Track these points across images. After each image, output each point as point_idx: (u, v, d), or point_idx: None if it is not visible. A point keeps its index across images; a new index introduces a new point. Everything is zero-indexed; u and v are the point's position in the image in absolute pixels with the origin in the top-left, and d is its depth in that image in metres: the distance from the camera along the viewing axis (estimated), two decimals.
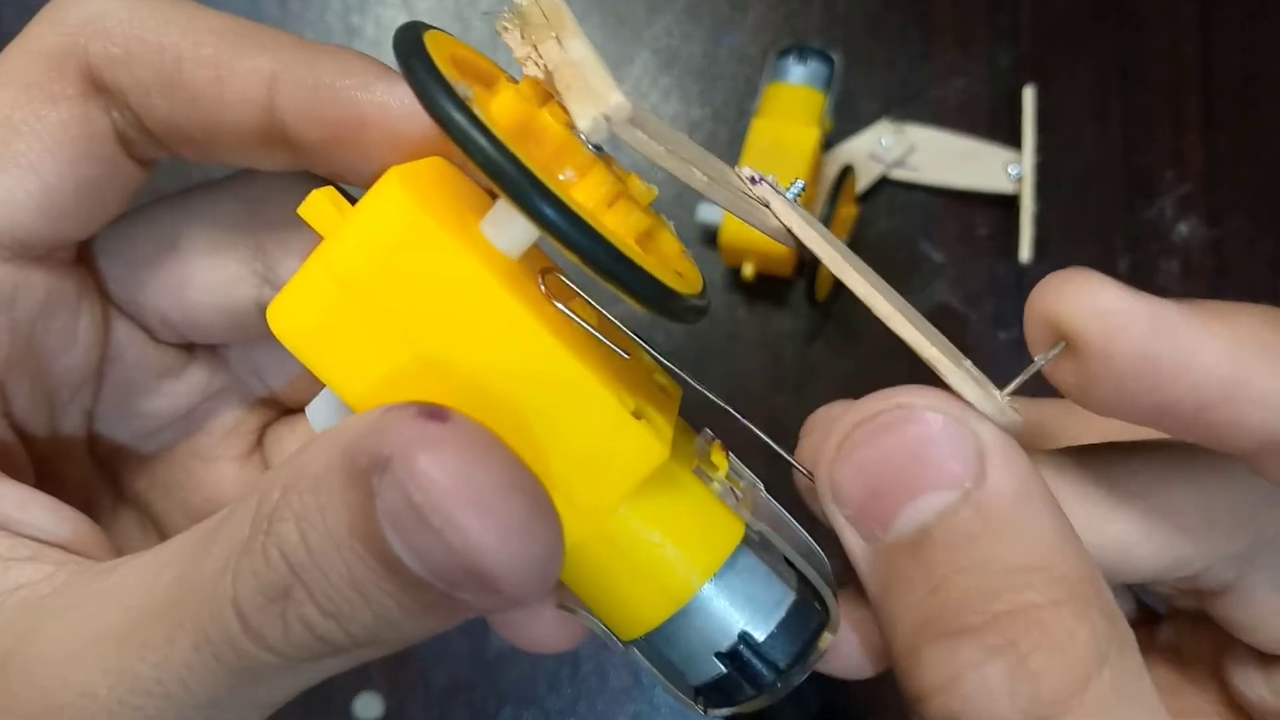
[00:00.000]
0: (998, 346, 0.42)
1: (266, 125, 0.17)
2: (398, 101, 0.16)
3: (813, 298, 0.39)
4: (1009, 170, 0.42)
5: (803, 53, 0.40)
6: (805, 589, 0.17)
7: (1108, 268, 0.42)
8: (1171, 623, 0.19)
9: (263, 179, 0.20)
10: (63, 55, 0.16)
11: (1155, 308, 0.15)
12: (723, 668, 0.16)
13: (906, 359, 0.46)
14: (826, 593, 0.17)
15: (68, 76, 0.16)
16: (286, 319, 0.15)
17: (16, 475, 0.16)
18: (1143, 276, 0.43)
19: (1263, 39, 0.44)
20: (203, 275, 0.19)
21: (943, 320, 0.42)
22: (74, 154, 0.16)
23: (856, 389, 0.45)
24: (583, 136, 0.15)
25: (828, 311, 0.43)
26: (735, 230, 0.39)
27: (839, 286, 0.43)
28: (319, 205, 0.15)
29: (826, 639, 0.17)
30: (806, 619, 0.16)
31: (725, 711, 0.16)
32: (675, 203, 0.43)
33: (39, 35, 0.16)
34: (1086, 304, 0.15)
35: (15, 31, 0.47)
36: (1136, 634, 0.15)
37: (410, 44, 0.15)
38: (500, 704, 0.41)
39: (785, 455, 0.18)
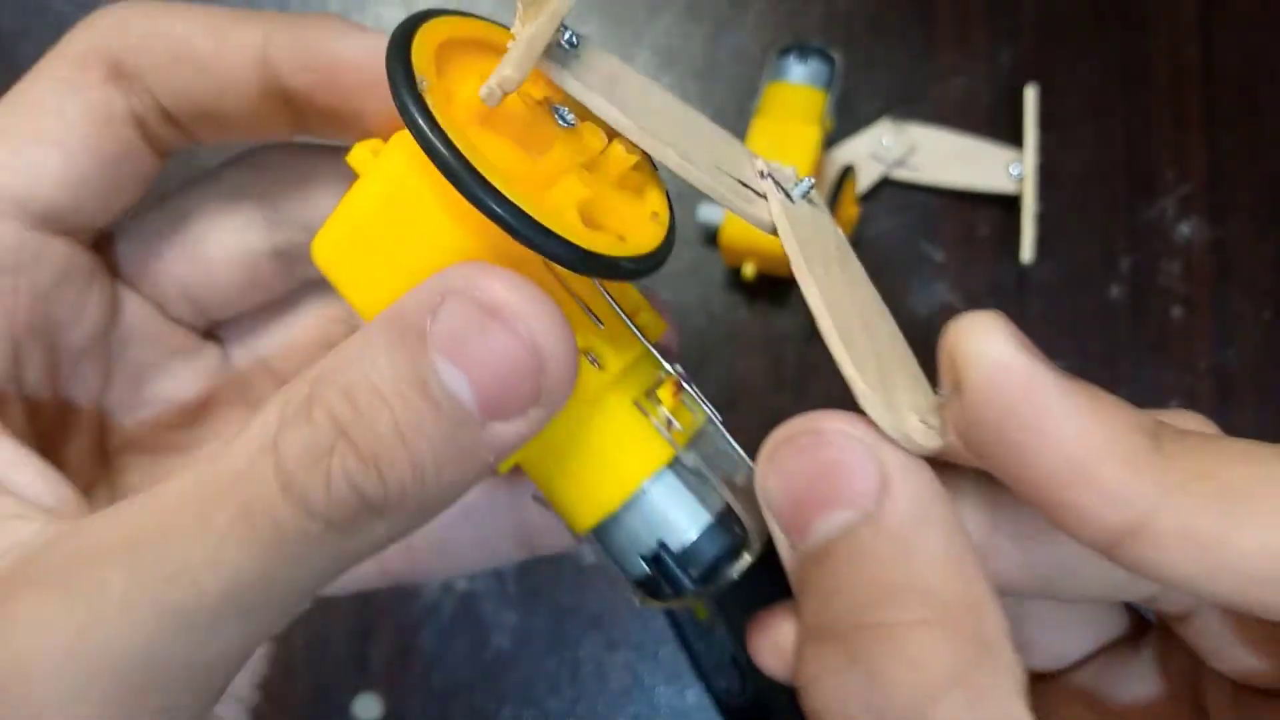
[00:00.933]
0: None
1: (264, 79, 0.18)
2: (366, 49, 0.18)
3: None
4: (1010, 170, 0.42)
5: (803, 52, 0.40)
6: (729, 515, 0.19)
7: (1109, 267, 0.42)
8: (1155, 639, 0.19)
9: (267, 147, 0.21)
10: (87, 52, 0.18)
11: (1034, 371, 0.15)
12: (647, 569, 0.18)
13: None
14: (747, 520, 0.19)
15: (91, 68, 0.17)
16: (321, 249, 0.17)
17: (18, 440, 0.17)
18: (1144, 276, 0.43)
19: (1264, 39, 0.44)
20: (215, 232, 0.20)
21: (943, 320, 0.42)
22: (95, 134, 0.17)
23: None
24: (558, 114, 0.17)
25: None
26: (735, 231, 0.39)
27: None
28: (361, 154, 0.17)
29: (744, 560, 0.19)
30: (718, 538, 0.18)
31: (657, 605, 0.19)
32: (676, 203, 0.43)
33: (69, 41, 0.18)
34: (975, 350, 0.15)
35: (13, 30, 0.47)
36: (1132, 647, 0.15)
37: (399, 33, 0.17)
38: (500, 704, 0.41)
39: (739, 451, 0.19)
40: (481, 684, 0.41)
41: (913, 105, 0.43)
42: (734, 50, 0.44)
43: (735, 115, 0.43)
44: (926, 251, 0.43)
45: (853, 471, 0.16)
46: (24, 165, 0.17)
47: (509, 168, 0.16)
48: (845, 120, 0.43)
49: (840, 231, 0.19)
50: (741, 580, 0.19)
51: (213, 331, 0.22)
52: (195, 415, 0.22)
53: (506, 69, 0.16)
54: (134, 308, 0.20)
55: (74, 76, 0.17)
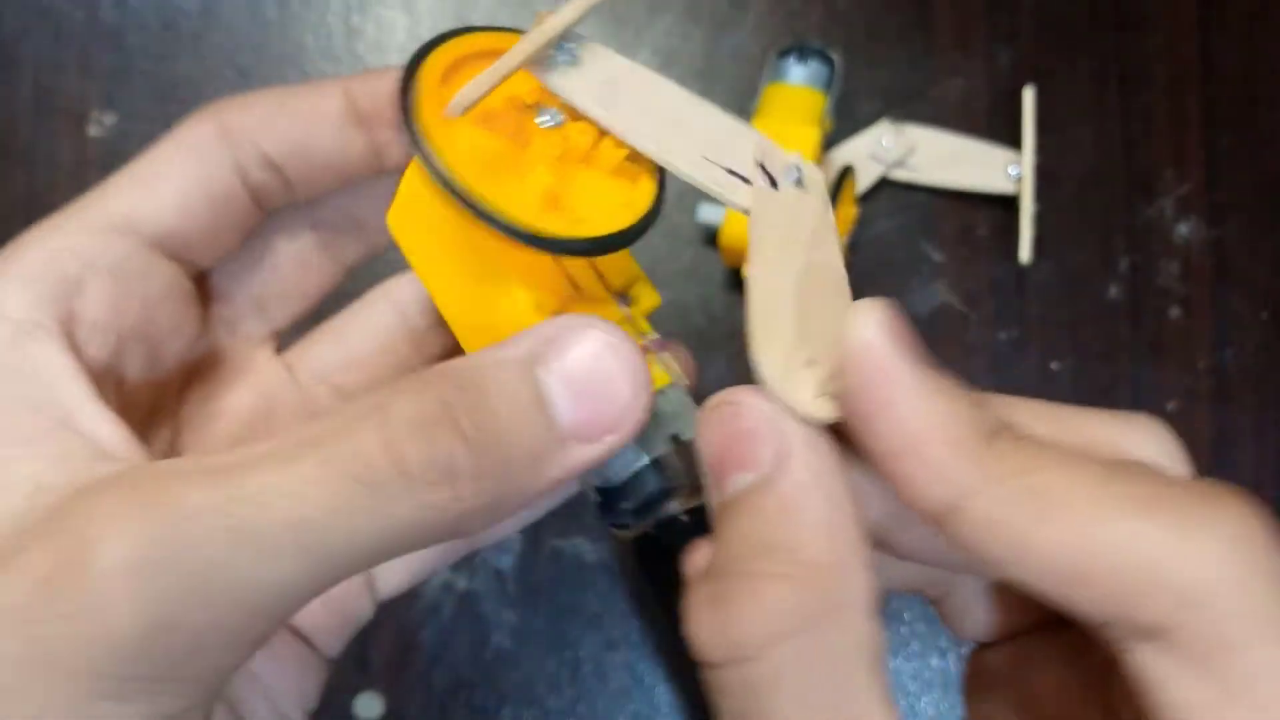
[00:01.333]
0: (998, 346, 0.42)
1: (347, 113, 0.22)
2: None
3: None
4: (1009, 170, 0.42)
5: (803, 53, 0.40)
6: (669, 460, 0.21)
7: (1108, 267, 0.42)
8: (1074, 631, 0.20)
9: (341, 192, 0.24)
10: (201, 120, 0.21)
11: (894, 354, 0.17)
12: (599, 497, 0.21)
13: None
14: (679, 470, 0.21)
15: (204, 130, 0.21)
16: (390, 219, 0.21)
17: None
18: (1143, 276, 0.43)
19: (1263, 38, 0.44)
20: (272, 235, 0.24)
21: (943, 320, 0.43)
22: (204, 179, 0.21)
23: None
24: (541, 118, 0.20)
25: None
26: (735, 231, 0.39)
27: None
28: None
29: (674, 506, 0.21)
30: (650, 479, 0.21)
31: (619, 534, 0.22)
32: (675, 204, 0.43)
33: (189, 116, 0.22)
34: (852, 331, 0.17)
35: (14, 32, 0.47)
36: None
37: (419, 50, 0.19)
38: (500, 703, 0.41)
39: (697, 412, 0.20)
40: (482, 683, 0.41)
41: (912, 106, 0.43)
42: (734, 51, 0.44)
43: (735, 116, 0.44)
44: (925, 251, 0.43)
45: (758, 440, 0.17)
46: (146, 198, 0.20)
47: (492, 159, 0.19)
48: (844, 121, 0.43)
49: (829, 214, 0.20)
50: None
51: (277, 344, 0.25)
52: (259, 427, 0.24)
53: (467, 90, 0.18)
54: (232, 343, 0.24)
55: (189, 137, 0.21)
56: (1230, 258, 0.43)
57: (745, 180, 0.20)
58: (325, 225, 0.24)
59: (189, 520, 0.15)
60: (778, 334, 0.18)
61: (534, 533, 0.42)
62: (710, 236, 0.43)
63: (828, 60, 0.41)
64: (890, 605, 0.42)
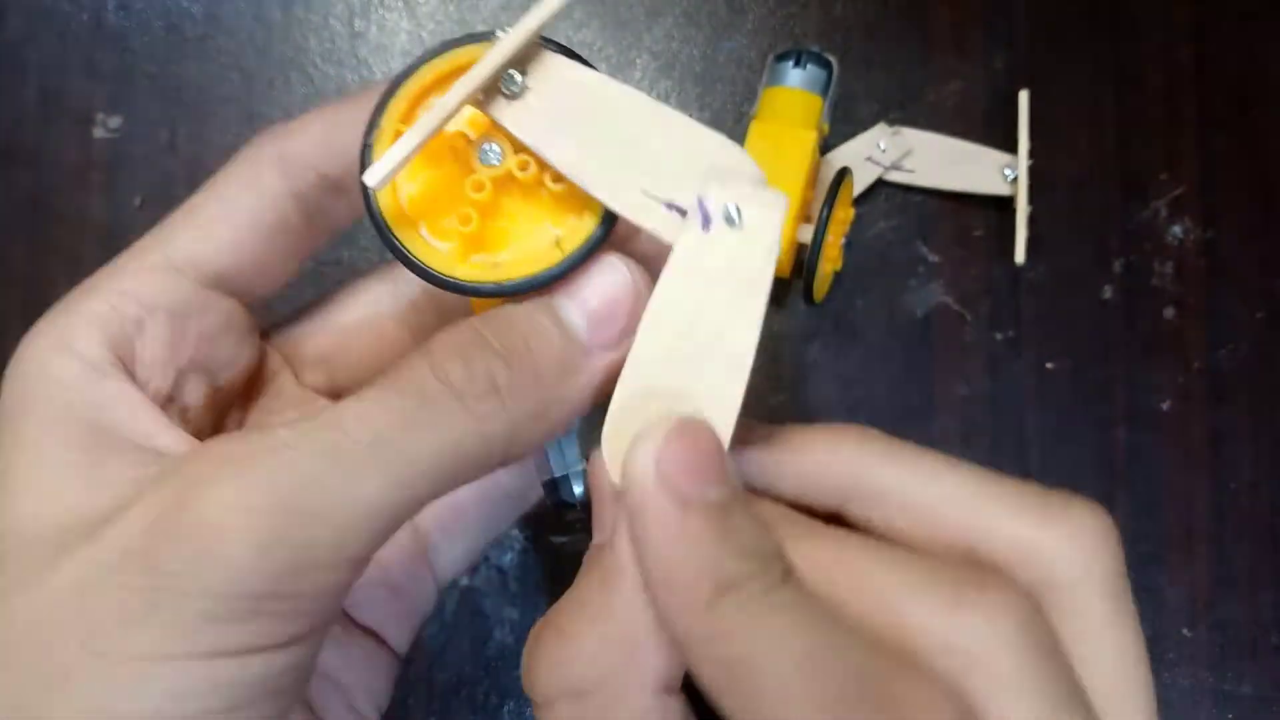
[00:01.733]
0: (994, 347, 0.43)
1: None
2: None
3: (810, 298, 0.40)
4: (1004, 172, 0.42)
5: (801, 57, 0.41)
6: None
7: (1103, 268, 0.43)
8: None
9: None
10: (257, 150, 0.22)
11: (660, 490, 0.18)
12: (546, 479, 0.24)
13: (900, 360, 0.46)
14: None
15: (260, 162, 0.22)
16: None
17: None
18: (1137, 277, 0.43)
19: (1257, 42, 0.44)
20: (347, 303, 0.25)
21: (939, 321, 0.43)
22: (260, 214, 0.21)
23: (853, 387, 0.46)
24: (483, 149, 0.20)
25: (824, 312, 0.43)
26: None
27: (836, 287, 0.44)
28: None
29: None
30: (562, 491, 0.24)
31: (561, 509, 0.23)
32: None
33: (246, 146, 0.22)
34: (634, 458, 0.18)
35: (19, 36, 0.47)
36: None
37: (390, 83, 0.20)
38: (502, 700, 0.42)
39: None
40: (484, 680, 0.42)
41: (908, 109, 0.44)
42: (732, 55, 0.44)
43: (734, 119, 0.44)
44: (922, 252, 0.43)
45: (603, 507, 0.20)
46: (203, 239, 0.21)
47: (432, 194, 0.20)
48: (842, 124, 0.43)
49: (762, 266, 0.19)
50: None
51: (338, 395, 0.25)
52: None
53: (392, 153, 0.18)
54: (275, 368, 0.24)
55: (245, 170, 0.22)
56: (1224, 259, 0.43)
57: (681, 213, 0.19)
58: (405, 298, 0.25)
59: (279, 451, 0.17)
60: (638, 400, 0.19)
61: (535, 530, 0.42)
62: None
63: (825, 64, 0.41)
64: None
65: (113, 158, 0.44)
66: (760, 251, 0.19)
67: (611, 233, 0.19)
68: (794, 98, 0.40)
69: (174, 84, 0.44)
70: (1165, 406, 0.43)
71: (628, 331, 0.19)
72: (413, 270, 0.19)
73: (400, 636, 0.25)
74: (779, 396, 0.43)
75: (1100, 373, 0.43)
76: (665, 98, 0.44)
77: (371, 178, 0.18)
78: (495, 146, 0.19)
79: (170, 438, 0.19)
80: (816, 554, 0.19)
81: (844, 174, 0.40)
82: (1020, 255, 0.41)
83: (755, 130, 0.40)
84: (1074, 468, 0.42)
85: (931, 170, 0.43)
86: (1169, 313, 0.43)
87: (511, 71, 0.18)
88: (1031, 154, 0.42)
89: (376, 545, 0.18)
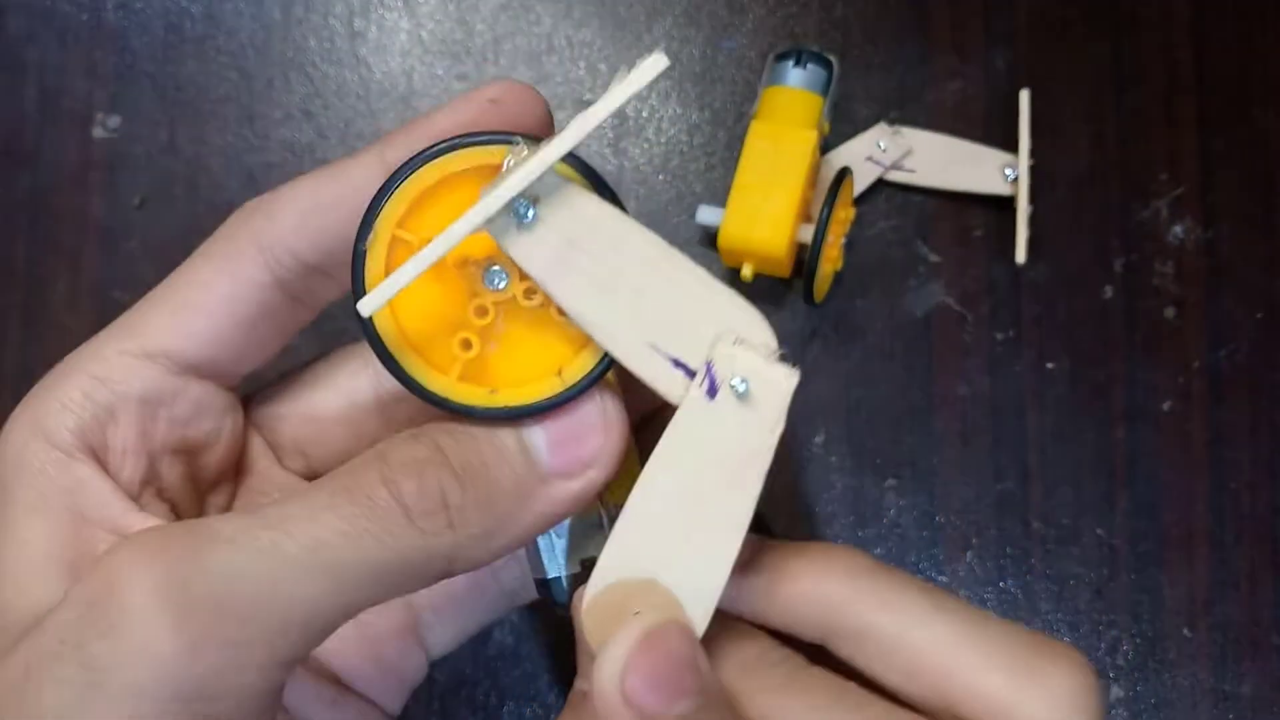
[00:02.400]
0: (994, 347, 0.43)
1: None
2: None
3: (810, 298, 0.40)
4: (1005, 172, 0.42)
5: (801, 57, 0.41)
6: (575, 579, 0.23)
7: (1103, 268, 0.43)
8: None
9: None
10: (235, 232, 0.21)
11: (620, 706, 0.18)
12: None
13: (901, 360, 0.46)
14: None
15: (239, 245, 0.21)
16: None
17: None
18: (1137, 277, 0.43)
19: (1257, 41, 0.44)
20: (324, 392, 0.24)
21: (939, 321, 0.43)
22: (235, 302, 0.21)
23: (853, 388, 0.46)
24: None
25: (824, 312, 0.43)
26: (735, 233, 0.39)
27: (836, 287, 0.44)
28: None
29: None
30: (554, 592, 0.23)
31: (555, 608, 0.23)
32: (674, 205, 0.44)
33: (225, 224, 0.22)
34: (600, 667, 0.18)
35: (19, 36, 0.47)
36: None
37: (380, 190, 0.19)
38: (502, 700, 0.42)
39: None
40: (484, 680, 0.42)
41: (909, 109, 0.44)
42: (732, 54, 0.44)
43: (734, 119, 0.44)
44: (922, 252, 0.43)
45: (584, 655, 0.21)
46: (178, 326, 0.21)
47: (434, 313, 0.19)
48: (842, 124, 0.43)
49: (765, 442, 0.19)
50: None
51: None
52: None
53: (391, 281, 0.17)
54: (258, 450, 0.24)
55: (223, 256, 0.21)
56: (1225, 259, 0.43)
57: (689, 371, 0.18)
58: (385, 390, 0.24)
59: (216, 544, 0.17)
60: (622, 563, 0.18)
61: None
62: (710, 238, 0.43)
63: (826, 64, 0.41)
64: None
65: (112, 157, 0.44)
66: (764, 429, 0.19)
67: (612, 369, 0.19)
68: (794, 97, 0.40)
69: (174, 84, 0.44)
70: (1165, 406, 0.43)
71: (590, 463, 0.19)
72: (408, 388, 0.19)
73: (392, 702, 0.25)
74: None
75: (1100, 372, 0.43)
76: (665, 98, 0.44)
77: (366, 307, 0.18)
78: (501, 270, 0.19)
79: (140, 523, 0.19)
80: (784, 709, 0.19)
81: (844, 174, 0.40)
82: (1021, 255, 0.41)
83: (755, 130, 0.40)
84: (1074, 467, 0.42)
85: (932, 170, 0.43)
86: (1169, 313, 0.43)
87: (524, 199, 0.17)
88: (1032, 154, 0.42)
89: (311, 647, 0.18)
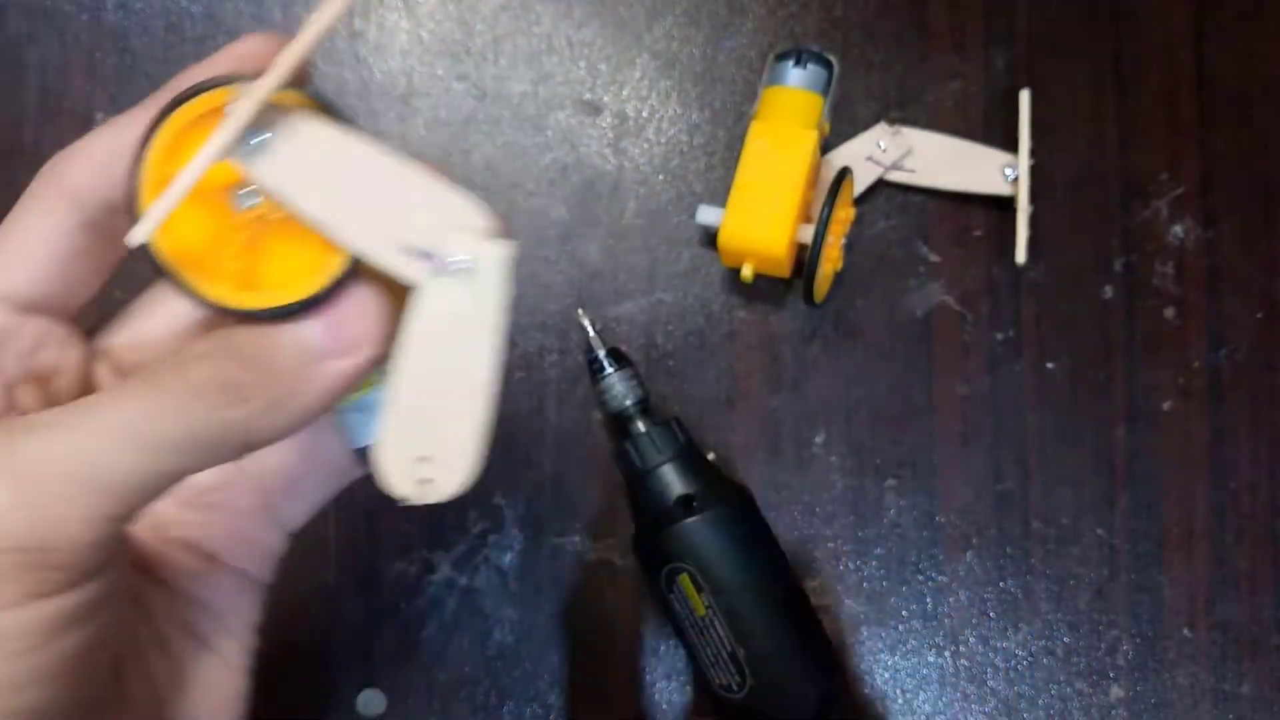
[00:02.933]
0: (994, 346, 0.43)
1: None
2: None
3: (810, 298, 0.40)
4: (1005, 172, 0.42)
5: (801, 56, 0.41)
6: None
7: (1103, 268, 0.43)
8: None
9: None
10: (48, 181, 0.24)
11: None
12: None
13: (901, 359, 0.46)
14: None
15: (49, 195, 0.24)
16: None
17: None
18: (1138, 277, 0.43)
19: (1257, 41, 0.44)
20: (151, 309, 0.27)
21: (939, 320, 0.43)
22: (55, 243, 0.24)
23: (852, 388, 0.46)
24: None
25: (825, 312, 0.43)
26: (733, 233, 0.39)
27: (836, 287, 0.44)
28: None
29: None
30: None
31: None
32: (674, 205, 0.44)
33: (39, 176, 0.24)
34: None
35: (19, 35, 0.47)
36: None
37: (144, 131, 0.21)
38: (502, 700, 0.42)
39: None
40: (484, 679, 0.42)
41: (909, 109, 0.44)
42: (733, 54, 0.44)
43: (734, 118, 0.44)
44: (922, 252, 0.43)
45: None
46: (4, 270, 0.24)
47: (203, 233, 0.21)
48: (842, 123, 0.43)
49: (492, 310, 0.22)
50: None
51: None
52: None
53: (152, 211, 0.20)
54: (104, 377, 0.26)
55: (36, 203, 0.24)
56: (1224, 259, 0.43)
57: (425, 257, 0.21)
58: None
59: (38, 427, 0.20)
60: (399, 424, 0.22)
61: (535, 531, 0.42)
62: (710, 238, 0.43)
63: (826, 63, 0.41)
64: (889, 602, 0.42)
65: None
66: (488, 297, 0.22)
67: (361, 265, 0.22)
68: (794, 97, 0.40)
69: None
70: (1165, 406, 0.43)
71: (356, 343, 0.22)
72: (191, 300, 0.21)
73: (260, 570, 0.29)
74: (779, 396, 0.43)
75: (1100, 372, 0.43)
76: (666, 97, 0.44)
77: (133, 238, 0.20)
78: (252, 190, 0.21)
79: None
80: None
81: (844, 174, 0.40)
82: (1021, 255, 0.41)
83: (756, 130, 0.40)
84: (1074, 467, 0.42)
85: (932, 170, 0.43)
86: (1169, 313, 0.43)
87: (259, 129, 0.20)
88: (1032, 154, 0.42)
89: (133, 506, 0.21)
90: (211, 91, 0.21)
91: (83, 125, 0.44)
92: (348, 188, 0.21)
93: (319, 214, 0.21)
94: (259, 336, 0.22)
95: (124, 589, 0.22)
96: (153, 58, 0.45)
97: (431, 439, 0.22)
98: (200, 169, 0.20)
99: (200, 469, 0.22)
